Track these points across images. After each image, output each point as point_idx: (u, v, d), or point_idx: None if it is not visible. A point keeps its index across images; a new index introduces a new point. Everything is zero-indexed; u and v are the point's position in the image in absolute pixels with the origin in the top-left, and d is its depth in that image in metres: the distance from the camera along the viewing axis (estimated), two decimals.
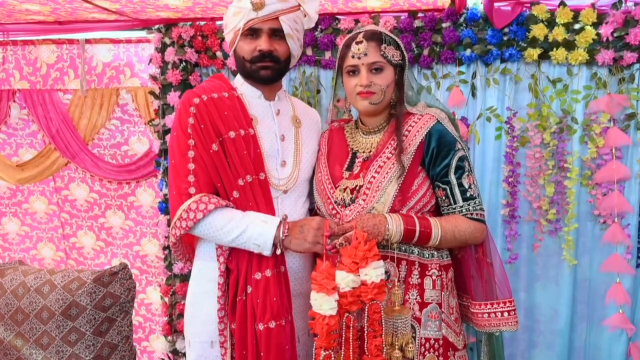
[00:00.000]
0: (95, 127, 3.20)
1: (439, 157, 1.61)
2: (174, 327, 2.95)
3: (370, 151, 1.69)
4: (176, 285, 2.92)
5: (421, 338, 1.59)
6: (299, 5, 1.70)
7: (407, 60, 1.69)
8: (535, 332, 2.63)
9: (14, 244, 3.53)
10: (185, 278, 2.88)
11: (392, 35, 1.68)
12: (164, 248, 2.97)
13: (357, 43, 1.63)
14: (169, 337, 2.97)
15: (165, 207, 2.91)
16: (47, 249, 3.47)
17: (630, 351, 2.45)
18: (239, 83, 1.78)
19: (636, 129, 2.41)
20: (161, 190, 2.94)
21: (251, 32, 1.66)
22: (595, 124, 2.42)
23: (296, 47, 1.72)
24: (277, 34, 1.67)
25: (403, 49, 1.69)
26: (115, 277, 2.28)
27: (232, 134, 1.65)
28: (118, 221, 3.32)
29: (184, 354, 2.64)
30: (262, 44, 1.65)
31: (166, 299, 2.96)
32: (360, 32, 1.65)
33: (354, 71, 1.65)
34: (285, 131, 1.78)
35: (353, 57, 1.63)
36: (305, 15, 1.73)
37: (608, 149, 2.41)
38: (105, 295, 2.25)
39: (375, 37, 1.63)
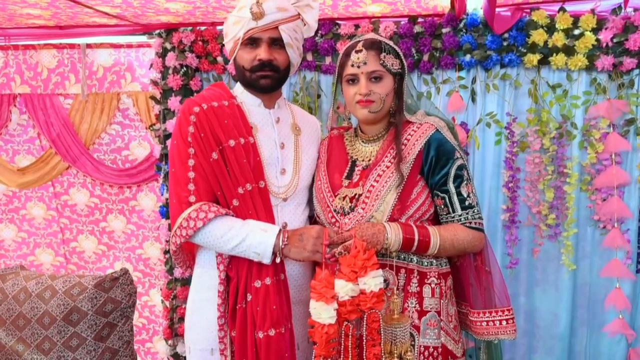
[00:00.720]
0: (96, 131, 3.22)
1: (438, 165, 1.62)
2: (174, 331, 2.96)
3: (370, 159, 1.69)
4: (177, 289, 2.93)
5: (420, 346, 1.59)
6: (299, 14, 1.71)
7: (406, 69, 1.70)
8: (535, 337, 2.63)
9: (10, 251, 3.53)
10: (186, 282, 2.89)
11: (391, 44, 1.68)
12: (165, 252, 2.98)
13: (357, 52, 1.63)
14: (170, 341, 2.98)
15: (166, 212, 2.92)
16: (46, 255, 3.48)
17: (630, 357, 2.46)
18: (239, 91, 1.78)
19: (636, 135, 2.41)
20: (162, 194, 2.95)
21: (251, 42, 1.67)
22: (594, 129, 2.43)
23: (295, 56, 1.73)
24: (276, 43, 1.68)
25: (402, 57, 1.69)
26: (116, 283, 2.29)
27: (232, 142, 1.65)
28: (120, 225, 3.33)
29: (185, 358, 2.65)
30: (262, 53, 1.66)
31: (167, 303, 2.97)
32: (359, 41, 1.66)
33: (354, 80, 1.66)
34: (285, 139, 1.79)
35: (352, 65, 1.64)
36: (304, 24, 1.74)
37: (608, 154, 2.42)
38: (107, 301, 2.26)
39: (375, 46, 1.64)
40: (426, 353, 1.59)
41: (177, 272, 2.91)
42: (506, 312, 1.67)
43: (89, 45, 3.16)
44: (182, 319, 2.83)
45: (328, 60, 2.69)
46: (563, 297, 2.55)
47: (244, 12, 1.65)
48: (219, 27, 2.81)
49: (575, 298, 2.55)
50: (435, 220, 1.69)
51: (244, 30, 1.65)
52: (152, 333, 3.39)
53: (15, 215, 3.48)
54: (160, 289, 3.07)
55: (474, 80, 2.55)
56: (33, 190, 3.41)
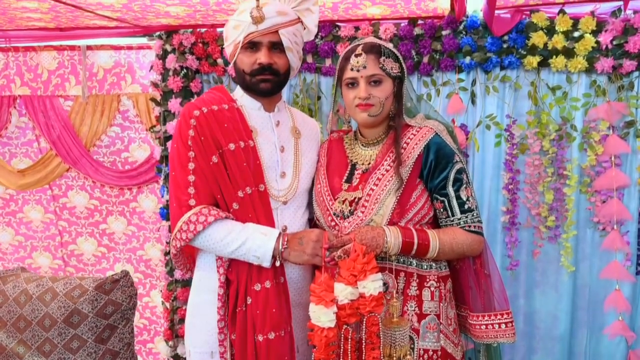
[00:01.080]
0: (96, 133, 3.22)
1: (437, 169, 1.62)
2: (175, 332, 2.97)
3: (369, 163, 1.69)
4: (178, 291, 2.94)
5: (419, 349, 1.60)
6: (299, 18, 1.71)
7: (405, 72, 1.70)
8: (535, 339, 2.64)
9: (7, 254, 3.53)
10: (186, 283, 2.89)
11: (391, 47, 1.68)
12: (166, 254, 2.98)
13: (356, 56, 1.64)
14: (170, 342, 2.98)
15: (166, 213, 2.92)
16: (43, 258, 3.47)
17: (630, 358, 2.46)
18: (239, 95, 1.79)
19: (635, 137, 2.42)
20: (162, 196, 2.95)
21: (251, 45, 1.67)
22: (594, 131, 2.43)
23: (295, 59, 1.73)
24: (276, 47, 1.68)
25: (402, 61, 1.69)
26: (116, 285, 2.29)
27: (232, 146, 1.65)
28: (120, 227, 3.34)
29: (185, 359, 2.66)
30: (262, 57, 1.66)
31: (167, 304, 2.97)
32: (359, 45, 1.66)
33: (353, 83, 1.66)
34: (284, 142, 1.79)
35: (352, 69, 1.64)
36: (304, 28, 1.74)
37: (607, 156, 2.42)
38: (107, 303, 2.26)
39: (374, 50, 1.64)
40: (425, 356, 1.60)
41: (178, 274, 2.92)
42: (505, 316, 1.67)
43: (89, 47, 3.16)
44: (182, 320, 2.83)
45: (328, 62, 2.69)
46: (563, 298, 2.56)
47: (244, 16, 1.65)
48: (219, 29, 2.81)
49: (574, 300, 2.56)
50: (435, 223, 1.69)
51: (244, 34, 1.65)
52: (154, 334, 3.40)
53: (12, 219, 3.47)
54: (161, 291, 3.07)
55: (473, 83, 2.56)
56: (31, 193, 3.41)
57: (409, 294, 1.62)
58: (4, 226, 3.49)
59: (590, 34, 2.37)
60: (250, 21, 1.63)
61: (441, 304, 1.64)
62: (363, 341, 1.50)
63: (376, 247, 1.55)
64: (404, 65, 1.70)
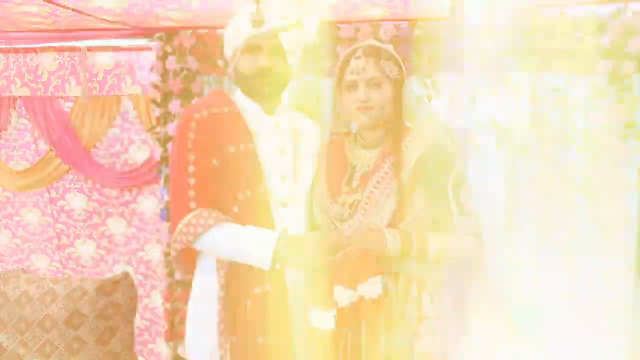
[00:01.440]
0: (96, 134, 3.22)
1: (437, 172, 1.62)
2: (175, 333, 2.97)
3: (369, 166, 1.69)
4: (178, 292, 2.94)
5: (419, 352, 1.60)
6: (299, 21, 1.71)
7: (405, 75, 1.70)
8: (534, 340, 2.63)
9: (5, 256, 3.51)
10: (187, 284, 2.88)
11: (391, 50, 1.69)
12: (166, 255, 2.98)
13: (356, 58, 1.64)
14: (171, 343, 2.99)
15: (167, 214, 2.92)
16: (42, 261, 3.45)
17: None
18: (239, 97, 1.79)
19: (635, 138, 2.41)
20: (163, 197, 2.95)
21: (251, 49, 1.68)
22: (594, 133, 2.43)
23: (296, 62, 1.73)
24: (277, 50, 1.68)
25: (401, 63, 1.69)
26: (117, 286, 2.30)
27: (232, 148, 1.66)
28: (120, 228, 3.33)
29: None
30: (262, 60, 1.67)
31: (168, 305, 2.98)
32: (359, 48, 1.66)
33: (353, 86, 1.66)
34: (284, 145, 1.79)
35: (352, 72, 1.64)
36: (305, 31, 1.74)
37: (607, 157, 2.42)
38: (108, 304, 2.27)
39: (374, 53, 1.64)
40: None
41: (178, 275, 2.92)
42: (505, 318, 1.67)
43: (89, 48, 3.15)
44: (183, 321, 2.83)
45: (328, 63, 2.69)
46: (563, 300, 2.55)
47: (245, 19, 1.65)
48: (219, 31, 2.81)
49: (574, 301, 2.55)
50: (434, 226, 1.69)
51: (244, 37, 1.66)
52: (155, 334, 3.40)
53: (9, 221, 3.46)
54: (162, 292, 3.07)
55: (473, 84, 2.56)
56: (28, 195, 3.39)
57: (409, 297, 1.62)
58: (2, 228, 3.48)
59: (590, 35, 2.36)
60: (250, 25, 1.64)
61: (441, 307, 1.64)
62: (362, 344, 1.50)
63: (376, 250, 1.55)
64: (403, 68, 1.70)
